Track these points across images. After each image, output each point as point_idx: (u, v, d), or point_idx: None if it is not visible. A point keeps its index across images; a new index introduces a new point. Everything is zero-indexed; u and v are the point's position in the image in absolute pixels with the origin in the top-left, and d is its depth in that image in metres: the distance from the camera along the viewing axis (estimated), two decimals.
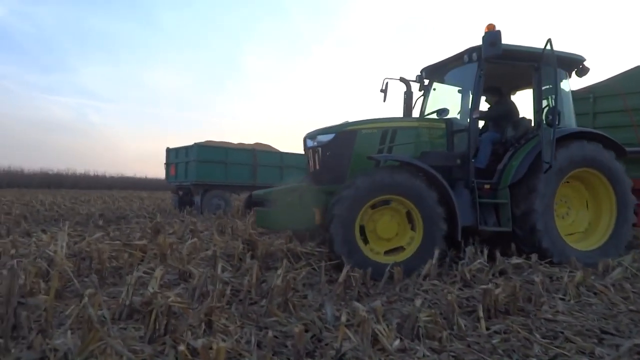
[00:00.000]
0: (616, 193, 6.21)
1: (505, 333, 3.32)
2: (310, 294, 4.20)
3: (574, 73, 6.72)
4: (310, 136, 6.25)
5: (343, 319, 2.98)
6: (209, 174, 14.06)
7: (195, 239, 6.29)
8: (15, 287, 2.91)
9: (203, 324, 3.07)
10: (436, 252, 5.02)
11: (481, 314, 3.55)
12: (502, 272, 5.20)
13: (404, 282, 4.68)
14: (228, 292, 3.79)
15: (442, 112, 6.36)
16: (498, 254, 5.47)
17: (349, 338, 2.84)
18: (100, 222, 9.66)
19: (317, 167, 5.99)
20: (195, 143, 14.33)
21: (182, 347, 2.25)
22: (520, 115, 6.85)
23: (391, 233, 5.36)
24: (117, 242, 5.92)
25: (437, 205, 5.26)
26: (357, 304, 3.66)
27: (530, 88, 6.62)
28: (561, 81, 6.31)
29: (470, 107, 6.05)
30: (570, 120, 6.54)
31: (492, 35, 5.50)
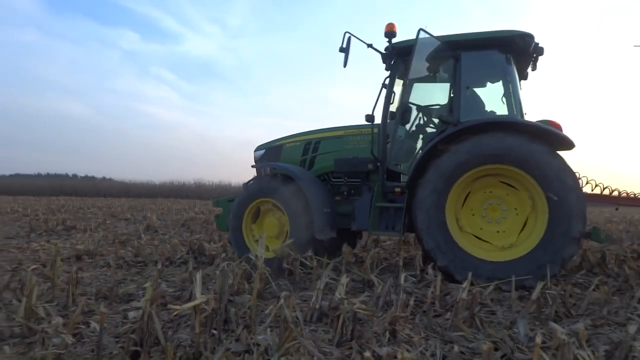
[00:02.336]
0: (547, 193, 4.84)
1: None
2: (499, 310, 3.93)
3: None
4: (254, 151, 7.12)
5: (538, 340, 2.71)
6: None
7: (379, 249, 6.42)
8: (226, 286, 3.34)
9: (387, 333, 3.11)
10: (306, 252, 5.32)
11: None
12: None
13: (612, 304, 4.09)
14: (412, 302, 3.77)
15: (371, 118, 5.80)
16: None
17: None
18: None
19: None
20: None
21: (367, 354, 2.31)
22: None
23: (276, 231, 5.91)
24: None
25: (298, 211, 5.61)
26: (554, 324, 3.30)
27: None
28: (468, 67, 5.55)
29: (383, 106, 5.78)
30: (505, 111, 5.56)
31: (388, 33, 5.60)
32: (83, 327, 3.25)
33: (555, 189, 4.82)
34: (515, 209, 5.17)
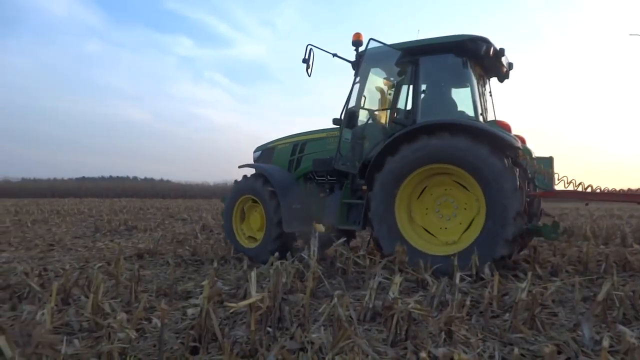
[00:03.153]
0: (485, 193, 5.04)
1: None
2: (561, 311, 3.77)
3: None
4: (253, 152, 7.78)
5: (605, 343, 2.57)
6: None
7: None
8: (279, 284, 3.38)
9: (443, 333, 3.05)
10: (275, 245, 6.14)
11: None
12: None
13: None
14: (468, 302, 3.68)
15: (338, 121, 6.29)
16: None
17: None
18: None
19: None
20: None
21: (423, 354, 2.27)
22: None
23: (259, 224, 6.63)
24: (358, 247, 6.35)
25: (272, 206, 6.30)
26: (623, 327, 3.12)
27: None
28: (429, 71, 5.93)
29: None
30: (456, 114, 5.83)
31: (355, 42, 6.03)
32: (145, 322, 3.39)
33: (493, 190, 5.00)
34: (465, 208, 5.41)
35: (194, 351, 2.82)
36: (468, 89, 5.84)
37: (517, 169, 5.21)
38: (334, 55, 6.28)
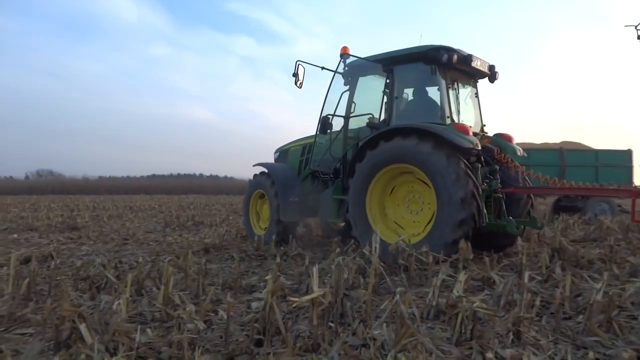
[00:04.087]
0: (436, 190, 5.58)
1: None
2: None
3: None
4: (274, 153, 8.70)
5: None
6: None
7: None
8: (341, 280, 3.39)
9: (511, 334, 2.94)
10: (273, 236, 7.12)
11: None
12: None
13: None
14: (537, 302, 3.52)
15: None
16: None
17: None
18: None
19: None
20: None
21: (489, 355, 2.20)
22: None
23: (268, 215, 7.70)
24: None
25: (274, 198, 7.35)
26: None
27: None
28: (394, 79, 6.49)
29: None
30: (427, 118, 6.18)
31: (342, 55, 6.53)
32: (212, 314, 3.51)
33: (441, 189, 5.50)
34: (429, 202, 5.91)
35: (259, 343, 2.89)
36: (437, 94, 6.31)
37: (468, 165, 5.65)
38: (322, 68, 6.79)
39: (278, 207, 7.27)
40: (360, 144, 6.31)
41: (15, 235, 8.88)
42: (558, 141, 14.97)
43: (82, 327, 2.70)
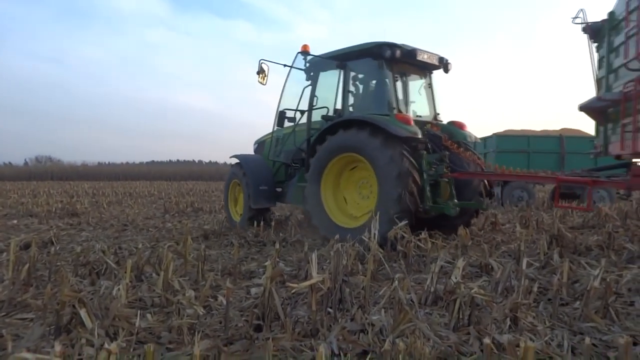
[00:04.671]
0: (377, 176, 6.02)
1: None
2: (638, 301, 3.55)
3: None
4: (253, 144, 9.15)
5: None
6: (509, 165, 13.44)
7: (498, 232, 6.11)
8: (340, 266, 3.41)
9: (508, 320, 2.96)
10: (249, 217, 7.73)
11: None
12: None
13: None
14: (535, 289, 3.55)
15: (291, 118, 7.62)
16: None
17: None
18: None
19: None
20: (493, 133, 13.92)
21: (487, 340, 2.22)
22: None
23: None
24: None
25: (245, 187, 7.80)
26: None
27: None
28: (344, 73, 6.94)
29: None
30: (377, 109, 6.55)
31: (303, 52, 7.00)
32: (212, 300, 3.53)
33: (379, 171, 5.94)
34: (373, 186, 6.27)
35: (258, 329, 2.91)
36: (381, 86, 6.75)
37: (408, 150, 6.01)
38: (285, 65, 7.24)
39: (249, 196, 7.71)
40: (312, 138, 6.89)
41: (15, 221, 8.89)
42: (558, 128, 14.90)
43: (83, 312, 2.72)
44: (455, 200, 6.31)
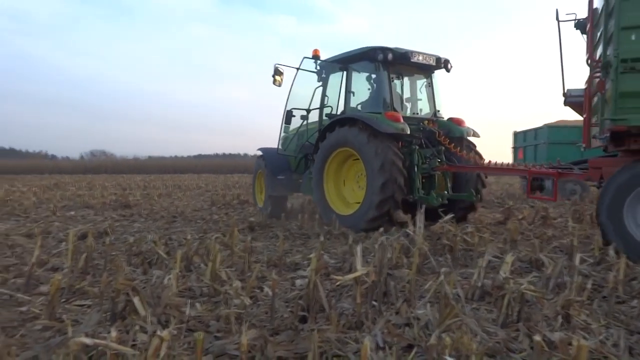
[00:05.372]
0: (365, 168, 6.65)
1: None
2: None
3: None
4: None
5: None
6: (561, 157, 12.91)
7: (549, 227, 5.91)
8: (385, 259, 3.40)
9: (560, 317, 2.87)
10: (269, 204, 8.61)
11: None
12: None
13: None
14: (589, 286, 3.41)
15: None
16: None
17: None
18: None
19: None
20: (545, 124, 13.40)
21: (537, 338, 2.16)
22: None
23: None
24: (468, 225, 6.14)
25: (266, 177, 8.62)
26: None
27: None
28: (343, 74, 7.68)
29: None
30: (373, 107, 7.26)
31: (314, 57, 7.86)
32: (258, 291, 3.60)
33: (368, 168, 6.57)
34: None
35: (303, 320, 2.95)
36: (379, 87, 7.33)
37: (397, 145, 6.72)
38: (298, 68, 8.00)
39: (268, 184, 8.63)
40: (317, 136, 7.68)
41: (73, 213, 9.34)
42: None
43: (136, 300, 2.83)
44: (446, 192, 7.09)
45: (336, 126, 7.12)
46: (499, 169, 6.92)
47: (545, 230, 6.50)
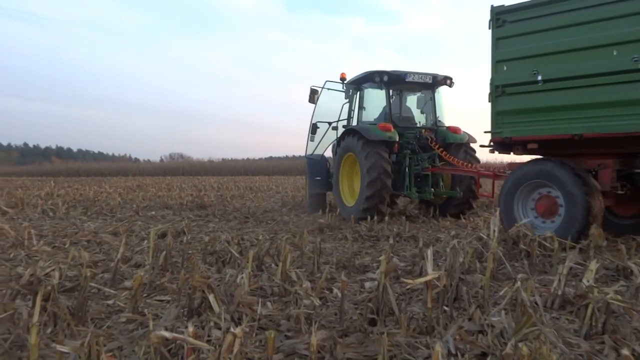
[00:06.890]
0: (360, 169, 8.35)
1: None
2: None
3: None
4: None
5: None
6: None
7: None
8: (456, 263, 3.30)
9: None
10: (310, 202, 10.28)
11: None
12: None
13: None
14: None
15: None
16: None
17: None
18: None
19: None
20: None
21: (626, 351, 2.00)
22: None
23: None
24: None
25: (307, 177, 10.61)
26: None
27: None
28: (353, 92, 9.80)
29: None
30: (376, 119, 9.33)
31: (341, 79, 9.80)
32: (327, 292, 3.63)
33: (362, 169, 8.18)
34: None
35: (372, 322, 2.93)
36: (385, 102, 9.12)
37: (386, 151, 8.19)
38: (329, 89, 9.83)
39: (309, 184, 10.15)
40: (337, 138, 9.60)
41: (153, 212, 9.90)
42: None
43: (211, 297, 2.95)
44: (440, 189, 8.68)
45: (345, 135, 8.95)
46: (456, 170, 8.25)
47: (634, 236, 6.03)
